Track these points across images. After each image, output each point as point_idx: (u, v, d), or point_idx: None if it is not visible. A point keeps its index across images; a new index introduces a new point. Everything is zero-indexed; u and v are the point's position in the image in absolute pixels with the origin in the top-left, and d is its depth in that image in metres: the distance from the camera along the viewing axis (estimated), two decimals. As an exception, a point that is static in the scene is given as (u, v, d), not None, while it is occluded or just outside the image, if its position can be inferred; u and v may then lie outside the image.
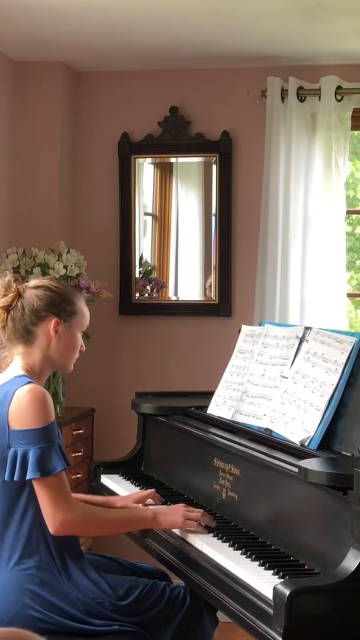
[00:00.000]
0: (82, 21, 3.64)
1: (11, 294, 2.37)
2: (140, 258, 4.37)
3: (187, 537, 2.39)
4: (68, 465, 2.29)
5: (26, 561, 2.25)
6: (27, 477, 2.20)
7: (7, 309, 2.36)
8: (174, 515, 2.38)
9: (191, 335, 4.30)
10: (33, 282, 2.44)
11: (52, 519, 2.22)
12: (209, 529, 2.39)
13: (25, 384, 2.26)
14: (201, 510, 2.44)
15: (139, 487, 2.86)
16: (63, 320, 2.37)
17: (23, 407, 2.22)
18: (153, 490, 2.66)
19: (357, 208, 6.23)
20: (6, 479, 2.23)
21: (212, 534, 2.36)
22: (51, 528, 2.23)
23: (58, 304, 2.38)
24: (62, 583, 2.26)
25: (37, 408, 2.22)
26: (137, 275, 4.35)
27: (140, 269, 4.37)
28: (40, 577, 2.25)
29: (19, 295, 2.37)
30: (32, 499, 2.25)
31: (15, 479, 2.21)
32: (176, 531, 2.44)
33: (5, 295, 2.37)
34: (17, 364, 2.36)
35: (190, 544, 2.36)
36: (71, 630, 2.23)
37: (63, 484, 2.25)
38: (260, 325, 2.95)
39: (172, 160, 4.36)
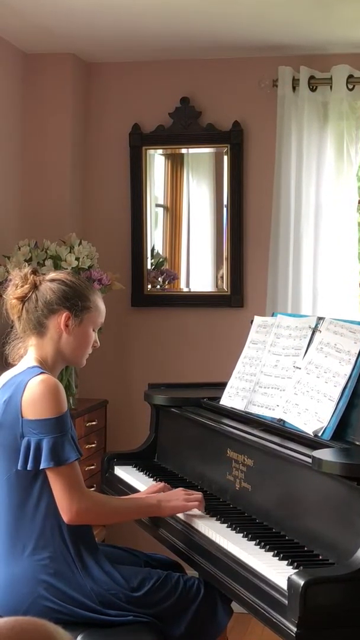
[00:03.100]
0: (92, 12, 3.63)
1: (27, 286, 2.39)
2: (152, 250, 4.37)
3: (200, 528, 2.40)
4: (81, 456, 2.31)
5: (40, 552, 2.26)
6: (41, 467, 2.22)
7: (23, 300, 2.39)
8: (175, 500, 2.45)
9: (203, 327, 4.30)
10: (51, 275, 2.46)
11: (68, 509, 2.24)
12: (224, 520, 2.40)
13: (38, 374, 2.28)
14: (200, 493, 2.50)
15: (152, 478, 2.87)
16: (74, 315, 2.39)
17: (36, 397, 2.23)
18: (164, 483, 2.67)
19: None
20: (19, 468, 2.24)
21: (225, 525, 2.36)
22: (66, 517, 2.25)
23: (70, 298, 2.39)
24: (76, 574, 2.27)
25: (50, 398, 2.23)
26: (148, 266, 4.35)
27: (152, 260, 4.36)
28: (54, 567, 2.26)
29: (34, 287, 2.40)
30: (46, 489, 2.26)
31: (28, 468, 2.23)
32: (189, 521, 2.44)
33: (21, 286, 2.39)
34: (30, 356, 2.39)
35: (204, 535, 2.37)
36: (86, 621, 2.24)
37: (77, 473, 2.27)
38: (272, 315, 2.95)
39: (183, 151, 4.35)
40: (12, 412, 2.26)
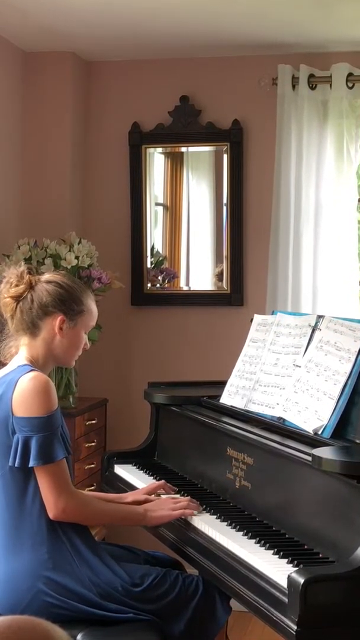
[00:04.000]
0: (92, 11, 3.63)
1: (22, 285, 2.40)
2: (152, 248, 4.37)
3: (200, 526, 2.40)
4: (69, 454, 2.32)
5: (39, 547, 2.27)
6: (30, 465, 2.24)
7: (17, 299, 2.39)
8: (161, 510, 2.45)
9: (203, 325, 4.30)
10: (46, 275, 2.46)
11: (54, 505, 2.25)
12: (224, 518, 2.40)
13: (29, 371, 2.29)
14: (187, 498, 2.50)
15: (152, 477, 2.87)
16: (69, 318, 2.40)
17: (26, 394, 2.25)
18: (163, 481, 2.68)
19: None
20: (10, 464, 2.26)
21: (226, 523, 2.36)
22: (52, 514, 2.26)
23: (66, 302, 2.40)
24: (75, 566, 2.28)
25: (40, 396, 2.25)
26: (148, 265, 4.35)
27: (152, 259, 4.36)
28: (53, 562, 2.27)
29: (30, 287, 2.40)
30: None
31: (16, 465, 2.25)
32: (189, 519, 2.45)
33: (17, 285, 2.40)
34: (21, 355, 2.40)
35: (204, 533, 2.36)
36: (86, 617, 2.25)
37: (64, 471, 2.28)
38: (272, 314, 2.94)
39: (183, 149, 4.35)
40: (3, 409, 2.27)
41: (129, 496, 2.61)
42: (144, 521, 2.45)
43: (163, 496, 2.61)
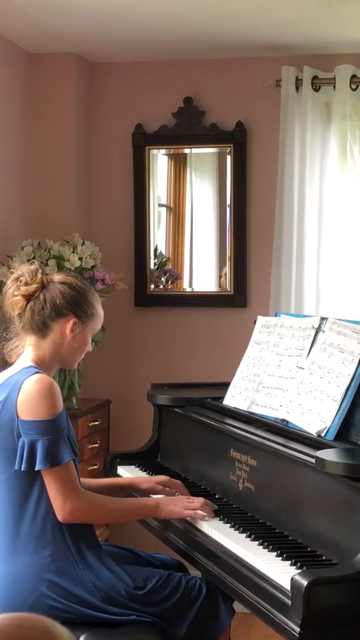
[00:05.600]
0: (96, 12, 3.64)
1: (35, 284, 2.37)
2: (155, 249, 4.37)
3: (203, 528, 2.40)
4: (76, 456, 2.31)
5: (42, 550, 2.27)
6: (36, 468, 2.23)
7: (28, 298, 2.37)
8: (174, 505, 2.43)
9: (206, 327, 4.30)
10: (58, 276, 2.44)
11: (61, 508, 2.24)
12: (227, 520, 2.40)
13: (33, 374, 2.28)
14: (202, 499, 2.47)
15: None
16: (81, 321, 2.39)
17: (31, 397, 2.23)
18: (169, 478, 2.66)
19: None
20: (16, 468, 2.25)
21: (229, 525, 2.36)
22: (60, 516, 2.26)
23: (79, 305, 2.39)
24: (78, 570, 2.28)
25: (45, 399, 2.23)
26: (152, 266, 4.35)
27: (155, 260, 4.36)
28: (56, 565, 2.26)
29: (42, 286, 2.38)
30: (45, 488, 2.27)
31: (23, 469, 2.24)
32: (193, 522, 2.44)
33: (29, 284, 2.37)
34: (27, 356, 2.38)
35: (207, 535, 2.37)
36: (89, 620, 2.24)
37: (71, 473, 2.27)
38: (275, 315, 2.94)
39: (187, 151, 4.35)
40: (8, 412, 2.26)
41: (143, 484, 2.61)
42: (155, 513, 2.44)
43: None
